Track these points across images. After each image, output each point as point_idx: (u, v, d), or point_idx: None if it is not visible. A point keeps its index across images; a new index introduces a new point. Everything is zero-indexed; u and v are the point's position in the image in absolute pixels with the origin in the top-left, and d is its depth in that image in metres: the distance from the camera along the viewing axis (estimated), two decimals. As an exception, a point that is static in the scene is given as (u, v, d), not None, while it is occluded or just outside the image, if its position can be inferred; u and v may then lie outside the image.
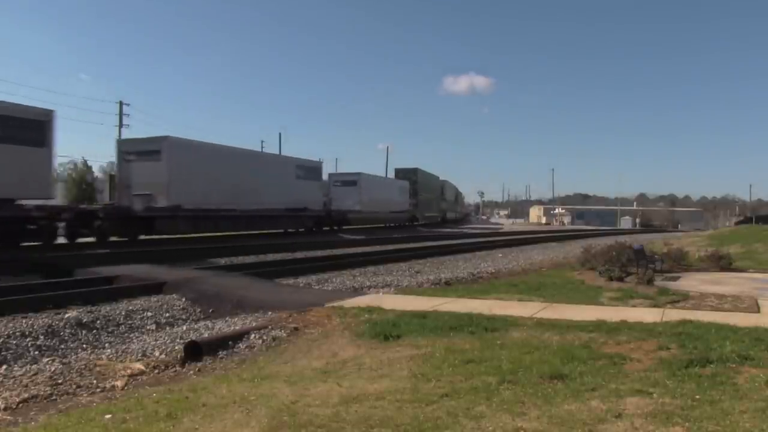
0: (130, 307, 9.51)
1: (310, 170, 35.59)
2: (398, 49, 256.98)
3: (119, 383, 5.90)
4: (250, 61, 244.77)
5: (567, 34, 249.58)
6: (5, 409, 5.15)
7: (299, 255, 20.58)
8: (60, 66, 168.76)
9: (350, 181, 42.53)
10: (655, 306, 9.33)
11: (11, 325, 7.98)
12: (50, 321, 8.31)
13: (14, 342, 7.40)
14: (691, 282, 13.03)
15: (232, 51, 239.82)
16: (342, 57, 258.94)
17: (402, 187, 51.70)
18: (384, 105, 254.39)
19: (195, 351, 6.85)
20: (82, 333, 8.16)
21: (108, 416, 4.50)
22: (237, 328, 7.96)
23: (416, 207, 54.14)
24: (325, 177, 40.77)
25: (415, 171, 55.94)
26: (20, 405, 5.27)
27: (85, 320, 8.52)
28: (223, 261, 18.04)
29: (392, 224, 48.77)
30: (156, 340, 7.69)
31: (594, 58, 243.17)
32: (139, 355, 7.00)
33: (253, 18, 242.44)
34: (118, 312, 9.18)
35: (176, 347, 7.17)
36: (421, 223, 54.78)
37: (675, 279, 13.59)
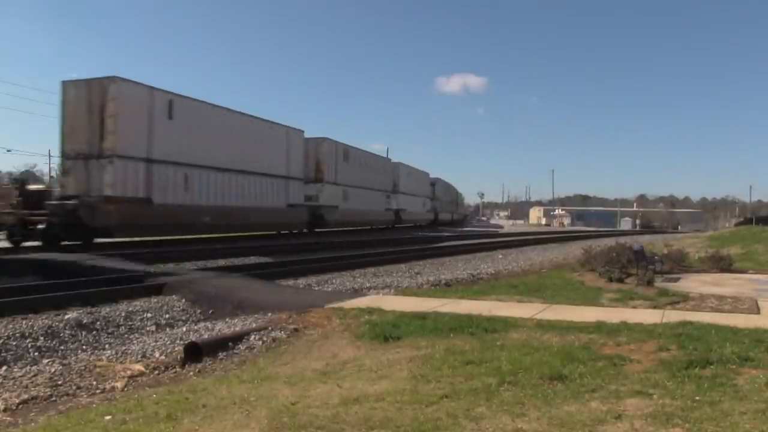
0: (130, 309, 9.50)
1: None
2: (390, 49, 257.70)
3: (119, 384, 5.90)
4: (244, 59, 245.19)
5: (562, 33, 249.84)
6: (5, 410, 5.15)
7: (300, 256, 20.58)
8: (53, 64, 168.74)
9: None
10: (655, 307, 9.32)
11: (11, 326, 7.97)
12: (50, 322, 8.30)
13: (14, 343, 7.39)
14: (691, 283, 13.02)
15: (230, 51, 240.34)
16: (336, 57, 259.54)
17: None
18: (379, 105, 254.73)
19: (195, 352, 6.85)
20: (81, 334, 8.15)
21: (108, 417, 4.50)
22: (237, 329, 7.96)
23: None
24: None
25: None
26: (20, 406, 5.27)
27: (84, 321, 8.51)
28: (222, 262, 18.04)
29: None
30: (156, 342, 7.68)
31: (592, 57, 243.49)
32: (139, 356, 6.99)
33: (250, 16, 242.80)
34: (117, 313, 9.17)
35: (176, 348, 7.16)
36: None
37: (675, 280, 13.58)
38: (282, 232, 31.14)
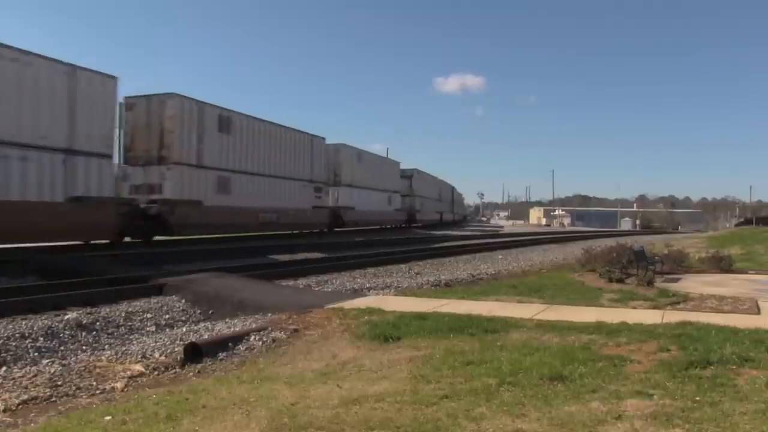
0: (130, 309, 9.50)
1: None
2: (389, 50, 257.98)
3: (119, 385, 5.89)
4: (242, 60, 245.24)
5: (560, 32, 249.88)
6: (5, 410, 5.15)
7: (299, 256, 20.57)
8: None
9: None
10: (655, 307, 9.32)
11: (11, 326, 7.96)
12: (50, 322, 8.29)
13: (14, 343, 7.39)
14: (691, 283, 13.02)
15: (231, 51, 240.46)
16: (335, 59, 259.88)
17: None
18: (378, 106, 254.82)
19: (195, 352, 6.85)
20: (81, 334, 8.15)
21: (108, 418, 4.50)
22: (237, 329, 7.95)
23: None
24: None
25: None
26: (20, 407, 5.26)
27: (84, 322, 8.51)
28: (222, 262, 18.02)
29: None
30: (156, 342, 7.68)
31: (591, 57, 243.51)
32: (139, 356, 6.99)
33: (250, 17, 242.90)
34: (117, 313, 9.17)
35: (176, 349, 7.16)
36: None
37: (675, 280, 13.58)
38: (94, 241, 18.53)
